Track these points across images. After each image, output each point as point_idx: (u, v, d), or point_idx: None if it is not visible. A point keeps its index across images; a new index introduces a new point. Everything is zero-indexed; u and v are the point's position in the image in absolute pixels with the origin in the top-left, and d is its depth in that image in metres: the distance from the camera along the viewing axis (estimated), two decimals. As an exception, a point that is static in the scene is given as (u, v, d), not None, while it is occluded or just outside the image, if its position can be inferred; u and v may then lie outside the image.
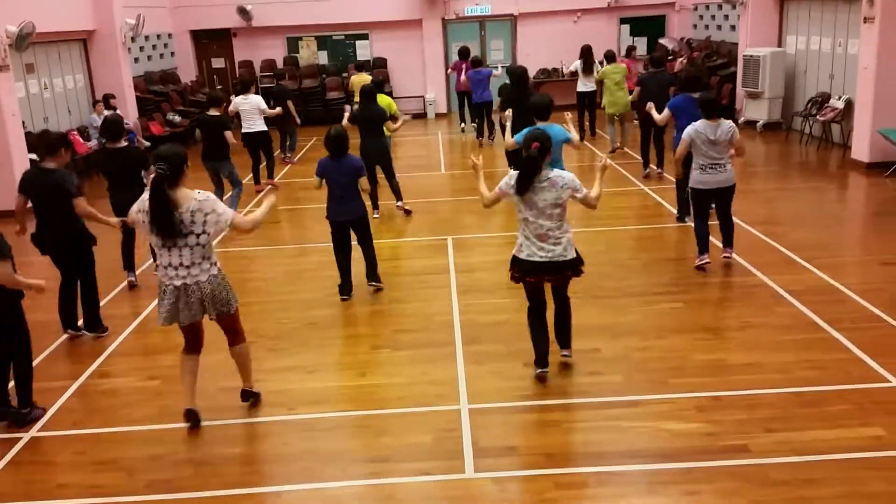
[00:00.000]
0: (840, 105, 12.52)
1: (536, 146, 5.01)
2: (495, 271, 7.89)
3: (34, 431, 5.20)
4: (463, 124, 16.41)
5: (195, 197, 4.66)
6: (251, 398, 5.35)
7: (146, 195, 4.69)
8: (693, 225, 7.68)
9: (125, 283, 7.89)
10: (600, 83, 13.06)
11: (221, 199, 9.49)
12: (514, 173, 5.15)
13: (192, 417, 5.09)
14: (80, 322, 6.75)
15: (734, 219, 7.63)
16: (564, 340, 5.63)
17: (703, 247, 7.48)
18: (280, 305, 7.13)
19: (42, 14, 12.04)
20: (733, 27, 16.29)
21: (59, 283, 6.56)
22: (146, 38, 16.82)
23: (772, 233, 8.41)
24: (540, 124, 6.89)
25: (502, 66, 12.37)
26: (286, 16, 18.58)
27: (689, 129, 7.28)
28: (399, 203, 10.09)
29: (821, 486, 4.20)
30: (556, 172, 5.12)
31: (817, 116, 12.98)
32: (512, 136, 7.40)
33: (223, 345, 6.33)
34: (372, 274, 7.34)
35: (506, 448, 4.72)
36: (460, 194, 11.43)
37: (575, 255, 5.25)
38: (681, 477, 4.37)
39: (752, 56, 14.41)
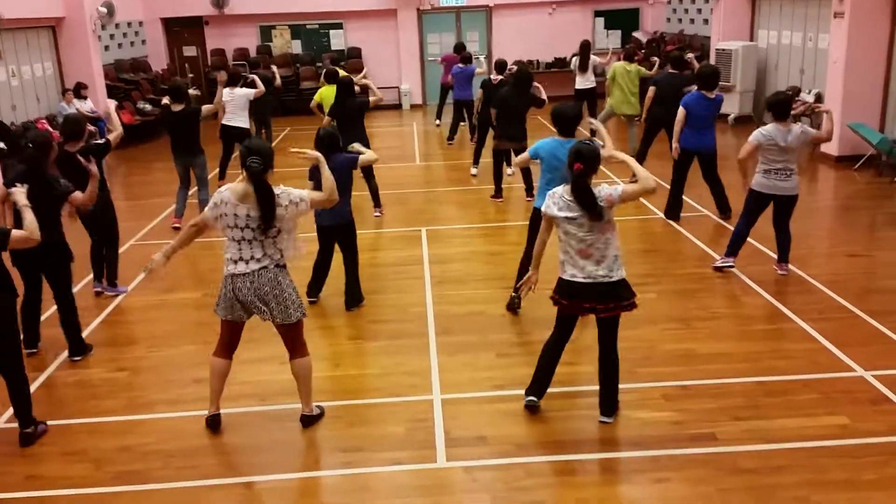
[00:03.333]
0: (810, 99, 12.68)
1: (580, 167, 4.40)
2: (469, 262, 7.92)
3: (1, 423, 5.12)
4: (438, 121, 16.20)
5: (276, 192, 4.54)
6: (311, 422, 4.98)
7: (224, 188, 4.61)
8: (736, 225, 7.24)
9: (90, 276, 7.65)
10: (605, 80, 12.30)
11: (186, 197, 9.41)
12: (553, 195, 4.61)
13: (215, 423, 4.94)
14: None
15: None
16: (608, 406, 4.84)
17: (734, 250, 7.15)
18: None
19: (10, 0, 11.83)
20: (706, 21, 16.44)
21: (22, 299, 5.86)
22: (116, 25, 16.58)
23: (742, 225, 8.51)
24: (559, 139, 5.95)
25: (484, 58, 11.35)
26: (259, 4, 18.40)
27: (757, 134, 6.78)
28: (377, 212, 9.72)
29: (786, 474, 4.28)
30: (593, 187, 4.51)
31: (788, 110, 13.11)
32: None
33: (195, 336, 6.31)
34: (351, 298, 6.85)
35: (477, 437, 4.74)
36: (434, 185, 11.43)
37: (623, 276, 4.61)
38: (650, 465, 4.42)
39: (724, 49, 14.55)
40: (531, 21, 18.94)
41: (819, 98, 12.38)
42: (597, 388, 5.21)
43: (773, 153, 6.77)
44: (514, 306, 6.51)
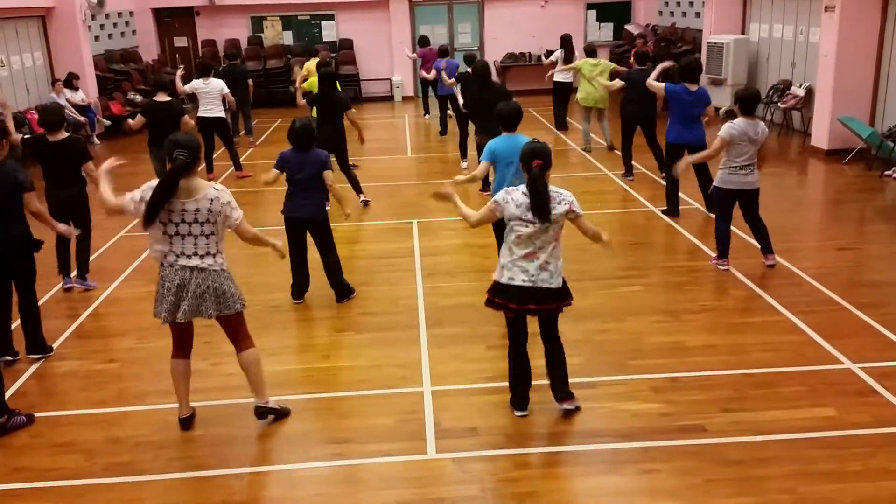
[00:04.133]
0: (801, 93, 12.72)
1: (539, 163, 4.48)
2: (459, 255, 7.93)
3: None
4: (427, 115, 16.32)
5: (213, 187, 4.49)
6: (268, 415, 4.91)
7: (152, 182, 4.44)
8: (715, 229, 7.23)
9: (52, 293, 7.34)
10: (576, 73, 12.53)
11: None
12: (513, 192, 4.61)
13: (188, 424, 4.89)
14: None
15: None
16: (562, 392, 4.90)
17: (724, 251, 7.16)
18: (242, 288, 7.03)
19: (-2, -11, 11.75)
20: (698, 14, 16.45)
21: None
22: (107, 15, 16.48)
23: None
24: (506, 135, 6.21)
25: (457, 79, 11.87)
26: (251, -5, 18.34)
27: (728, 128, 6.73)
28: (361, 198, 9.79)
29: (773, 465, 4.31)
30: (555, 189, 4.59)
31: (779, 104, 13.18)
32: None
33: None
34: (341, 291, 6.79)
35: (467, 429, 4.76)
36: (426, 178, 11.42)
37: (562, 284, 4.71)
38: (639, 456, 4.45)
39: (715, 43, 14.56)
40: (523, 13, 18.91)
41: (810, 92, 12.42)
42: (585, 379, 5.26)
43: (741, 148, 6.75)
44: None
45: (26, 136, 7.03)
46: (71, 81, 13.79)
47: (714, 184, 7.10)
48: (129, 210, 4.50)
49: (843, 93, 11.20)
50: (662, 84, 8.51)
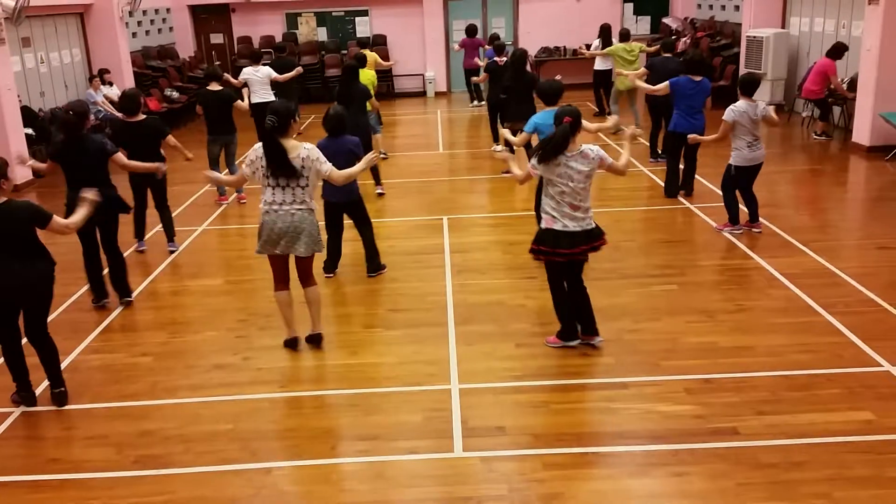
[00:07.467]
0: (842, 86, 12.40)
1: (569, 120, 5.18)
2: (489, 251, 7.88)
3: (25, 406, 5.20)
4: (475, 101, 16.75)
5: (304, 146, 5.38)
6: (318, 341, 5.92)
7: (257, 145, 5.42)
8: (724, 198, 8.01)
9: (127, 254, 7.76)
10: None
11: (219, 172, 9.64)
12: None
13: (293, 344, 5.85)
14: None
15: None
16: (591, 327, 5.63)
17: (735, 218, 7.94)
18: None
19: (38, -13, 11.94)
20: (737, 7, 16.15)
21: (84, 255, 6.70)
22: (144, 12, 16.70)
23: (770, 215, 8.35)
24: (548, 110, 6.82)
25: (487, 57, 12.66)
26: (286, -9, 18.45)
27: (731, 112, 7.45)
28: (379, 189, 10.02)
29: (808, 469, 4.20)
30: (586, 146, 5.26)
31: (819, 99, 12.86)
32: (509, 124, 7.39)
33: (218, 323, 6.38)
34: (372, 263, 7.28)
35: (495, 428, 4.72)
36: (458, 174, 11.38)
37: (595, 224, 5.41)
38: (670, 458, 4.37)
39: (755, 37, 14.28)
40: (558, 7, 18.75)
41: (853, 83, 12.13)
42: (617, 379, 5.21)
43: (746, 128, 7.47)
44: None
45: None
46: (102, 76, 13.97)
47: (731, 163, 7.73)
48: (248, 176, 5.54)
49: (886, 88, 10.89)
50: (665, 83, 8.97)
